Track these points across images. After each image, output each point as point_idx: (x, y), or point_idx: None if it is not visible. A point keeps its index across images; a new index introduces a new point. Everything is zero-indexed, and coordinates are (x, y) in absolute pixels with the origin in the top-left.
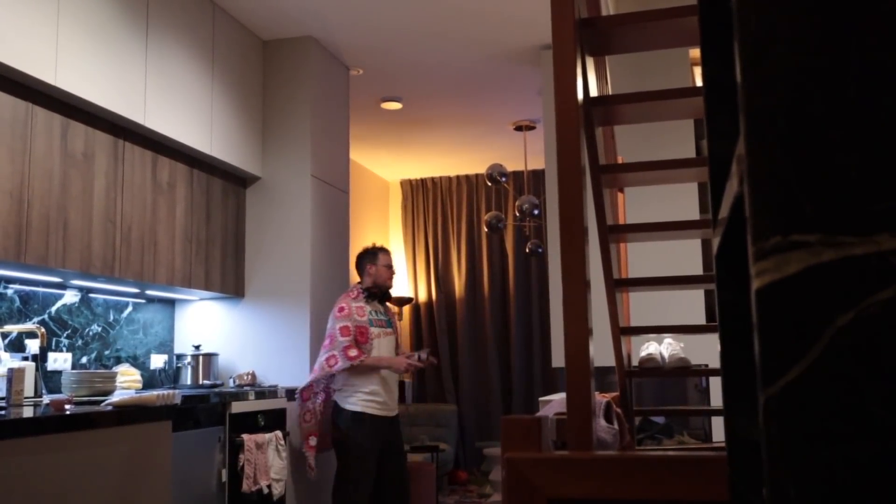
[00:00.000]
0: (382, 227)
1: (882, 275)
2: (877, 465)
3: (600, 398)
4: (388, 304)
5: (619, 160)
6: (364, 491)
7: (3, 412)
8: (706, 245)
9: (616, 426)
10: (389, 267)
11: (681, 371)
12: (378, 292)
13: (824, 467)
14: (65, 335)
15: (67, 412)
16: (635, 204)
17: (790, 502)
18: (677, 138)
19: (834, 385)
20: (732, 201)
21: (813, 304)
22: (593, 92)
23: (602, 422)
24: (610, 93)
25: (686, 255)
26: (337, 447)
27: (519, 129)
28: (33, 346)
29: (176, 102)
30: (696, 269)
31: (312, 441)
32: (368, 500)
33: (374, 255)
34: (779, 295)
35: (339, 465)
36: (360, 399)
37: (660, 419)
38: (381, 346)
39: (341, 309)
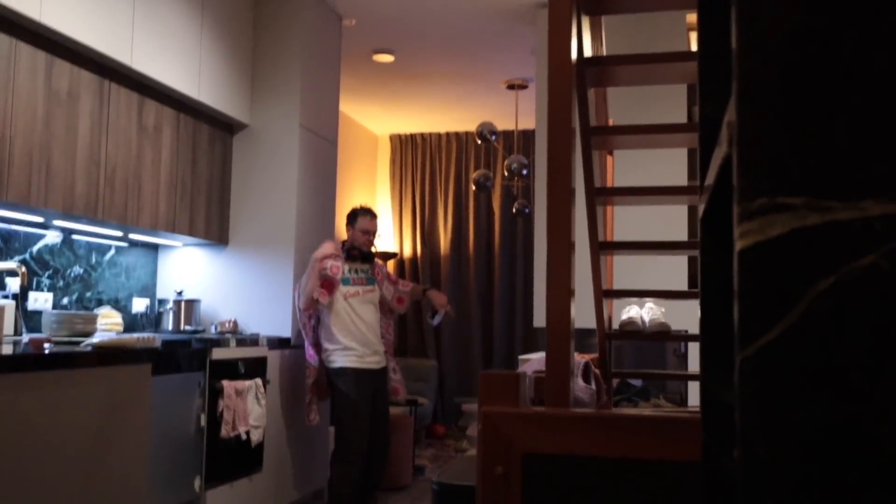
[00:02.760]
0: (370, 180)
1: (865, 240)
2: (849, 428)
3: (579, 358)
4: (374, 263)
5: (610, 123)
6: (359, 442)
7: None
8: (692, 212)
9: (594, 386)
10: (365, 232)
11: (660, 335)
12: (357, 253)
13: (797, 429)
14: (46, 275)
15: (46, 351)
16: (624, 168)
17: (761, 462)
18: (669, 104)
19: (811, 348)
20: (720, 163)
21: (795, 267)
22: (588, 52)
23: (580, 381)
24: (604, 54)
25: (672, 222)
26: (331, 402)
27: (511, 87)
28: (13, 284)
29: (164, 44)
30: (682, 235)
31: (307, 397)
32: (364, 451)
33: (353, 218)
34: (761, 256)
35: (334, 421)
36: (340, 355)
37: (637, 382)
38: (359, 304)
39: (315, 260)
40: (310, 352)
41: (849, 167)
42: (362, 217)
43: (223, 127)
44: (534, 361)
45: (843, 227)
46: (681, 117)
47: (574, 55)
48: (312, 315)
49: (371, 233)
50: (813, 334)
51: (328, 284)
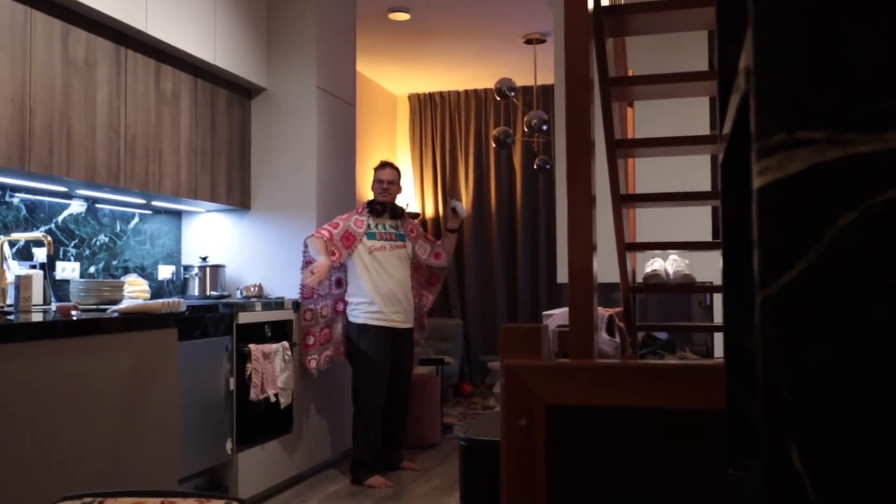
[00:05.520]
0: (390, 141)
1: (889, 173)
2: (872, 365)
3: (603, 312)
4: (405, 219)
5: (630, 74)
6: (376, 400)
7: (11, 317)
8: (715, 163)
9: (618, 339)
10: (379, 182)
11: (685, 287)
12: (381, 208)
13: (819, 368)
14: (72, 245)
15: (74, 318)
16: (645, 120)
17: (783, 402)
18: (690, 53)
19: (833, 285)
20: (738, 102)
21: (816, 203)
22: (605, 1)
23: (604, 335)
24: (622, 2)
25: (695, 173)
26: (349, 358)
27: (529, 42)
28: (41, 254)
29: (178, 9)
30: (705, 187)
31: (309, 340)
32: (381, 408)
33: (373, 172)
34: (781, 193)
35: (353, 376)
36: (363, 312)
37: (663, 335)
38: (386, 259)
39: (340, 216)
40: (305, 293)
41: (870, 98)
42: (376, 170)
43: (241, 91)
44: (557, 316)
45: (865, 160)
46: (702, 66)
47: (591, 4)
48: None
49: (384, 181)
50: (835, 271)
51: (348, 237)
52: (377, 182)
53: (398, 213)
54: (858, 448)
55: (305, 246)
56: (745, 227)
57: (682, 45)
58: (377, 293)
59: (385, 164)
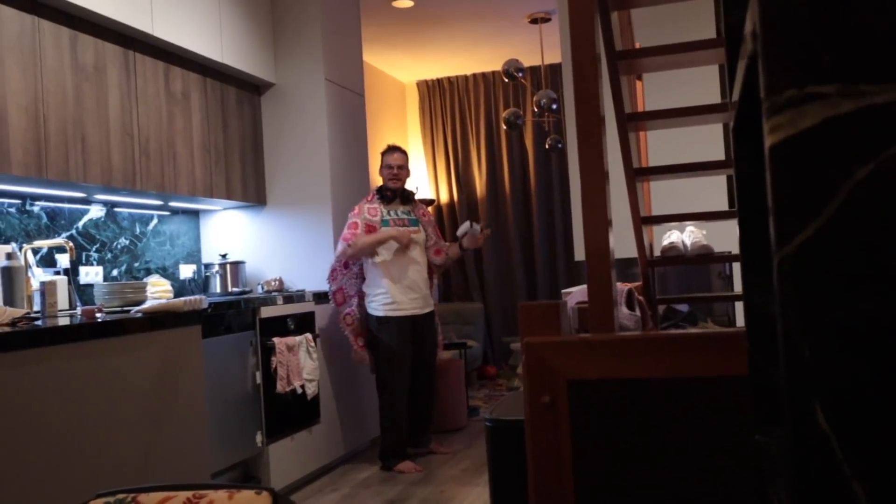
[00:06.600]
0: (401, 129)
1: None
2: (894, 321)
3: (621, 286)
4: (416, 203)
5: (637, 46)
6: (400, 389)
7: (38, 322)
8: (727, 131)
9: (638, 313)
10: (389, 167)
11: (703, 258)
12: (391, 194)
13: (840, 326)
14: (94, 249)
15: (99, 320)
16: (654, 92)
17: (805, 363)
18: (697, 23)
19: (851, 241)
20: (746, 65)
21: (830, 158)
22: None
23: (624, 309)
24: None
25: (708, 142)
26: (372, 349)
27: (534, 21)
28: (63, 260)
29: (183, 9)
30: (718, 156)
31: (361, 342)
32: (406, 396)
33: (381, 157)
34: (794, 150)
35: (377, 367)
36: (380, 304)
37: (684, 308)
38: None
39: (353, 210)
40: (338, 299)
41: (883, 47)
42: (384, 155)
43: (250, 88)
44: (576, 293)
45: (879, 111)
46: (709, 35)
47: None
48: (350, 264)
49: (393, 167)
50: (852, 227)
51: (369, 229)
52: (387, 167)
53: (409, 198)
54: (884, 404)
55: (338, 261)
56: (759, 193)
57: (689, 15)
58: (394, 283)
59: (393, 148)
